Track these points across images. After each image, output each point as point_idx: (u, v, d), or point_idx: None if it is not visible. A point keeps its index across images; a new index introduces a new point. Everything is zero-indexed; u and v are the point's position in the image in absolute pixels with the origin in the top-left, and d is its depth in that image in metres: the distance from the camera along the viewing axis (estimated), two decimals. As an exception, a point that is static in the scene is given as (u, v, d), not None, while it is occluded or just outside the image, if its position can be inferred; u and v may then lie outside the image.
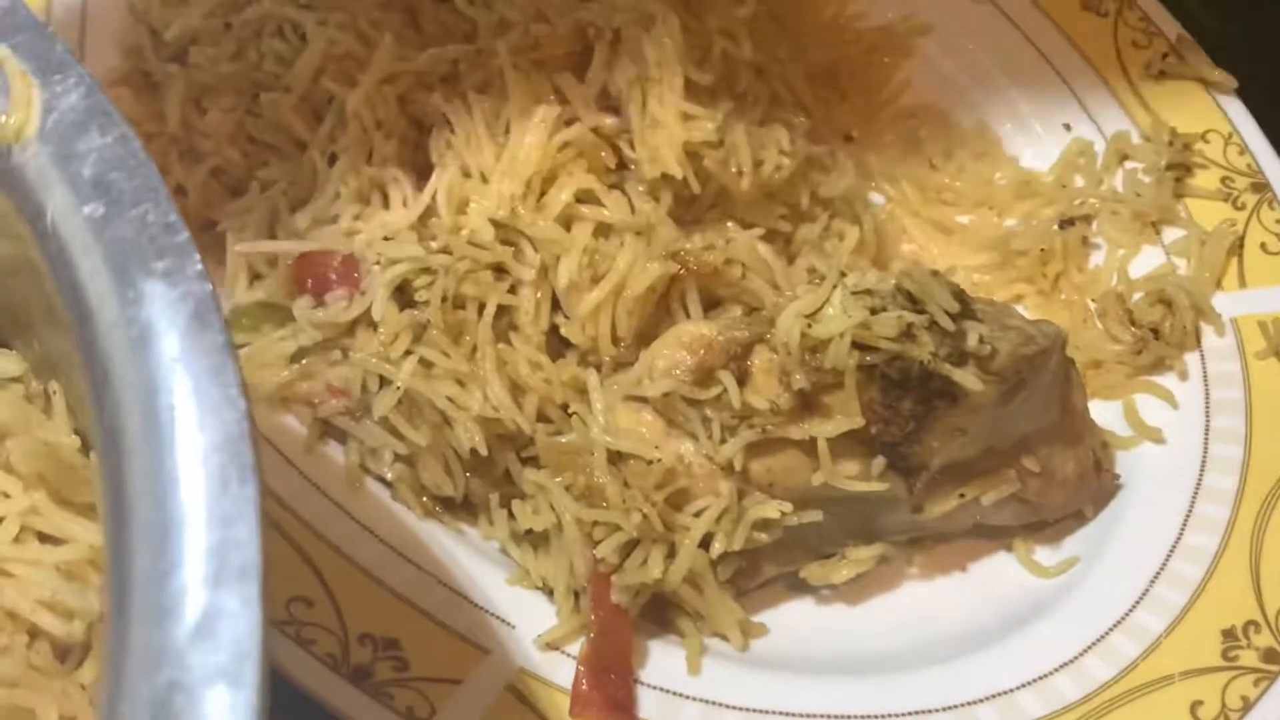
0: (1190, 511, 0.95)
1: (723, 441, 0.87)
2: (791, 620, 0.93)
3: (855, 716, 0.86)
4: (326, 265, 0.94)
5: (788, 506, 0.88)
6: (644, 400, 0.89)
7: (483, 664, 0.84)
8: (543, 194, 0.95)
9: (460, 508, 0.94)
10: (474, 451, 0.90)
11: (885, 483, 0.88)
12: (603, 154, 0.98)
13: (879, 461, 0.87)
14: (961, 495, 0.92)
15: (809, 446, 0.87)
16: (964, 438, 0.88)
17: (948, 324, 0.85)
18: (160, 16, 1.07)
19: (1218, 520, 0.94)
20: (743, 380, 0.88)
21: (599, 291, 0.93)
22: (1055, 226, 1.10)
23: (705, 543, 0.88)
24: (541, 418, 0.93)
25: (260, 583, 0.42)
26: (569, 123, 0.97)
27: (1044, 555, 0.97)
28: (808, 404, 0.87)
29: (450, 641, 0.85)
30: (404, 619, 0.85)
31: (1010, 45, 1.21)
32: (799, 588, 0.94)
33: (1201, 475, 0.97)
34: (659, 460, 0.87)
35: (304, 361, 0.93)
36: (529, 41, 0.99)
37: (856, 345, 0.84)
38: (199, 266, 0.50)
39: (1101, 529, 0.97)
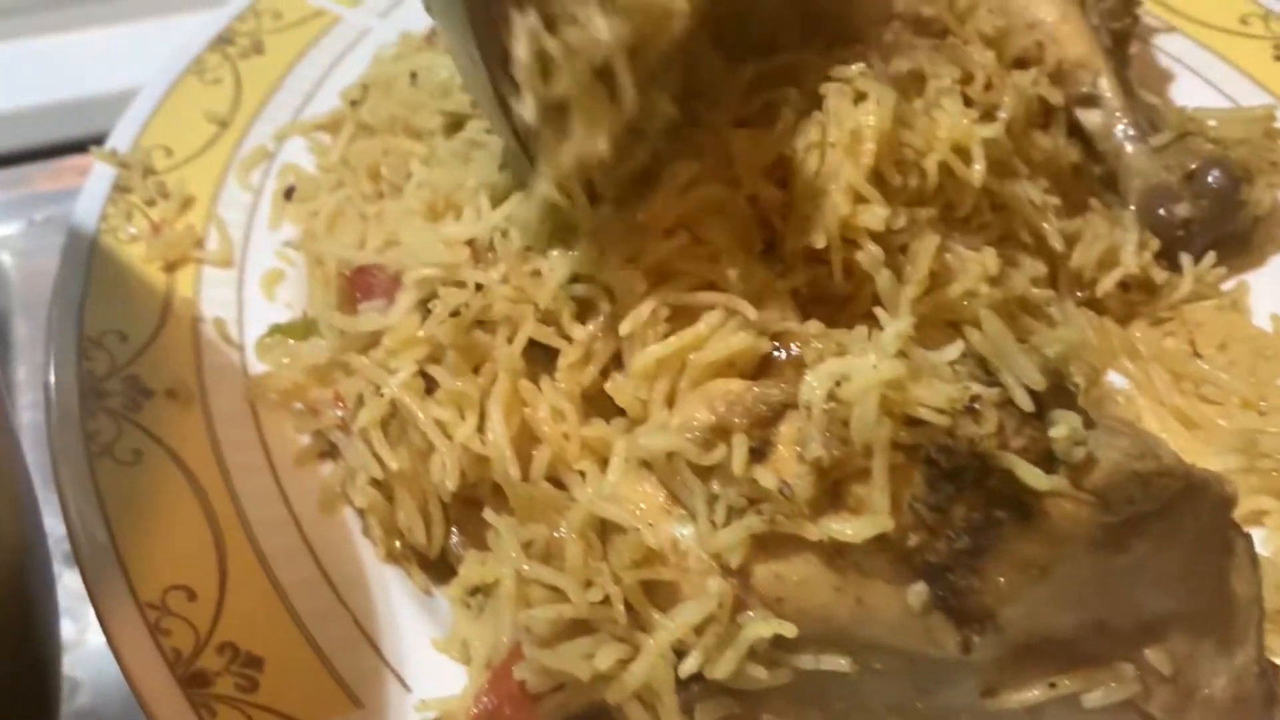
0: None
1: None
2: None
3: None
4: (375, 279, 0.84)
5: (793, 630, 0.65)
6: (649, 468, 0.71)
7: (346, 717, 0.67)
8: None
9: (438, 567, 0.78)
10: (462, 500, 0.76)
11: (926, 624, 0.63)
12: (750, 230, 0.82)
13: (918, 590, 0.63)
14: (1052, 685, 0.65)
15: (832, 557, 0.65)
16: (1049, 587, 0.63)
17: (1025, 403, 0.61)
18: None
19: None
20: (764, 453, 0.67)
21: (664, 347, 0.76)
22: (1330, 429, 0.82)
23: (680, 656, 0.67)
24: (555, 482, 0.76)
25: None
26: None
27: (1176, 816, 0.66)
28: (835, 496, 0.65)
29: (322, 681, 0.68)
30: (284, 642, 0.69)
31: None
32: (820, 779, 0.70)
33: None
34: (636, 531, 0.68)
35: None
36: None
37: (897, 418, 0.63)
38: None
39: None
